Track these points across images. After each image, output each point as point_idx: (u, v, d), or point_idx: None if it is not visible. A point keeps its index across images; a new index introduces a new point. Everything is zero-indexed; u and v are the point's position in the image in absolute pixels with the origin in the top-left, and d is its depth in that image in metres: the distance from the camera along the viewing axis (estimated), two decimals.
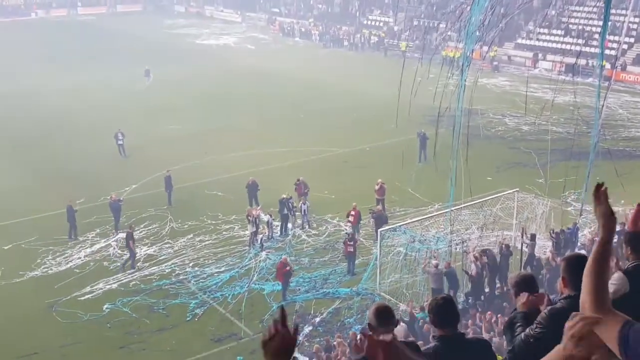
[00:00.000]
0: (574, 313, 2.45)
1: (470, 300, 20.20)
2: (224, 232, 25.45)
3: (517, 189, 24.47)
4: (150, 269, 22.89)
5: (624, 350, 2.49)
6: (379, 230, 22.46)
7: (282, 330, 2.40)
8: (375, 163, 32.08)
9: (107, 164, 32.32)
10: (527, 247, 21.75)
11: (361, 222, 25.46)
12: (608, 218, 2.88)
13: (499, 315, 17.60)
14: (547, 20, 57.33)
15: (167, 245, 24.49)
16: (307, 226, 25.95)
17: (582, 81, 42.81)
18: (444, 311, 4.98)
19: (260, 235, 24.40)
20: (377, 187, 26.59)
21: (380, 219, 24.24)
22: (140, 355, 18.35)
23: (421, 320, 18.03)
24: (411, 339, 16.10)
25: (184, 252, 24.04)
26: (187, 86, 48.54)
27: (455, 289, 20.15)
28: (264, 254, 23.74)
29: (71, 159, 33.20)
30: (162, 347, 18.70)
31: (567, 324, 2.44)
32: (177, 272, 22.66)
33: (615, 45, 49.95)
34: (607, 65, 44.57)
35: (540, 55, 54.90)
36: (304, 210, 25.98)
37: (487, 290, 20.64)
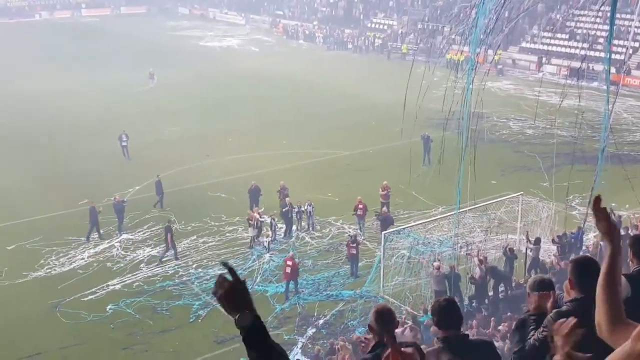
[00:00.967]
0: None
1: (474, 304, 20.13)
2: (227, 234, 25.43)
3: (522, 193, 24.42)
4: (153, 270, 22.86)
5: None
6: (383, 232, 22.42)
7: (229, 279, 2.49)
8: (378, 166, 32.05)
9: (110, 166, 32.34)
10: (531, 251, 21.68)
11: (366, 219, 25.49)
12: (612, 232, 2.87)
13: (504, 319, 17.53)
14: (551, 24, 57.30)
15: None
16: (311, 228, 25.92)
17: (587, 85, 42.79)
18: (447, 313, 4.97)
19: (268, 238, 24.35)
20: (382, 192, 26.43)
21: (386, 222, 24.19)
22: (143, 357, 18.32)
23: (425, 322, 17.96)
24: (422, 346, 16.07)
25: (187, 253, 24.02)
26: (190, 88, 48.63)
27: (458, 292, 20.06)
28: (267, 255, 23.71)
29: (74, 160, 33.23)
30: (165, 349, 18.67)
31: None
32: (180, 273, 22.64)
33: (620, 49, 49.88)
34: (613, 70, 44.47)
35: (544, 59, 54.83)
36: (309, 212, 25.94)
37: (491, 294, 20.57)
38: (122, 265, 23.19)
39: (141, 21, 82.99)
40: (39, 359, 18.30)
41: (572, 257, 14.02)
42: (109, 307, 20.53)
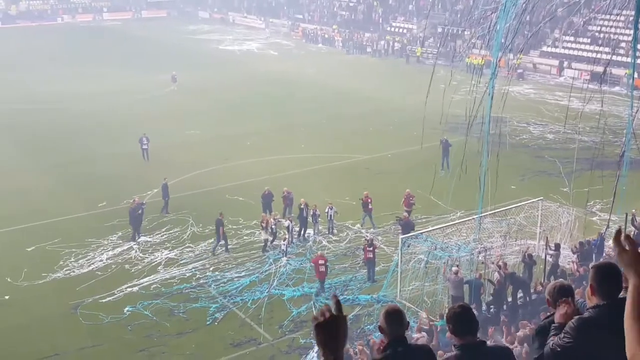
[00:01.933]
0: None
1: (492, 310, 19.93)
2: (245, 237, 25.47)
3: (542, 198, 24.18)
4: (171, 272, 22.95)
5: None
6: (401, 237, 22.30)
7: (336, 313, 2.49)
8: (397, 170, 31.95)
9: (130, 168, 32.58)
10: (550, 256, 21.44)
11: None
12: (638, 263, 2.74)
13: (520, 326, 17.33)
14: (572, 28, 56.78)
15: (188, 249, 24.55)
16: (330, 233, 25.87)
17: (609, 90, 42.32)
18: (463, 320, 4.92)
19: (284, 242, 24.36)
20: (410, 199, 26.38)
21: (407, 227, 24.05)
22: (160, 358, 18.36)
23: (439, 327, 17.82)
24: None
25: (204, 256, 24.09)
26: (210, 91, 48.93)
27: (478, 299, 19.87)
28: (284, 259, 23.70)
29: (95, 163, 33.53)
30: (181, 351, 18.71)
31: None
32: (197, 276, 22.69)
33: None
34: (635, 75, 43.92)
35: (565, 64, 54.36)
36: (330, 215, 25.90)
37: (509, 299, 20.36)
38: (140, 267, 23.30)
39: (162, 25, 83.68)
40: None
41: (593, 263, 13.85)
42: (126, 309, 20.63)
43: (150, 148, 33.83)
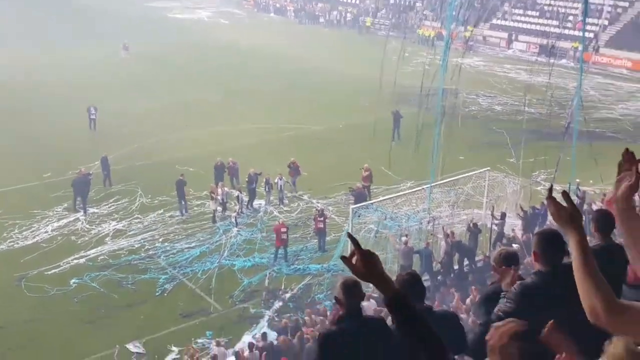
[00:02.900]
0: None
1: (439, 278, 20.31)
2: (195, 208, 25.23)
3: (489, 168, 24.57)
4: (119, 243, 22.59)
5: None
6: (352, 207, 22.44)
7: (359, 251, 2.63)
8: (348, 140, 32.02)
9: (77, 139, 31.74)
10: (496, 225, 21.92)
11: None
12: (576, 219, 2.79)
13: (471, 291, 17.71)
14: (522, 1, 57.47)
15: (136, 221, 24.18)
16: (281, 203, 25.86)
17: (556, 63, 43.08)
18: (410, 286, 4.96)
19: (234, 213, 24.26)
20: (365, 174, 26.04)
21: (360, 197, 24.17)
22: (108, 330, 18.12)
23: None
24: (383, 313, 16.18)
25: (153, 227, 23.78)
26: (159, 60, 47.91)
27: (430, 269, 20.21)
28: (235, 230, 23.59)
29: (40, 133, 32.52)
30: (130, 322, 18.51)
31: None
32: (146, 247, 22.40)
33: (591, 27, 50.25)
34: (580, 47, 44.86)
35: (514, 36, 55.09)
36: (280, 185, 25.84)
37: (456, 267, 20.79)
38: (86, 239, 22.87)
39: None
40: (3, 333, 17.99)
41: (537, 230, 14.18)
42: (72, 281, 20.26)
43: (99, 118, 33.03)
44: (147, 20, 63.16)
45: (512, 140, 29.64)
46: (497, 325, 2.40)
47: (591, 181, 24.87)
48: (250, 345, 16.28)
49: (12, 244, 22.41)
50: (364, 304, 16.58)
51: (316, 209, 23.96)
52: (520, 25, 55.62)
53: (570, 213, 2.77)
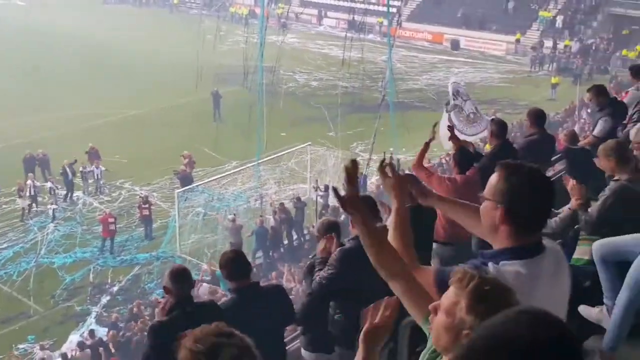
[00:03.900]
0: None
1: (271, 254, 20.62)
2: (4, 206, 23.26)
3: (309, 143, 25.24)
4: None
5: (439, 289, 2.72)
6: (177, 191, 21.98)
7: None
8: (168, 124, 31.14)
9: None
10: (321, 197, 22.63)
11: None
12: (398, 188, 3.05)
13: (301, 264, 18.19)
14: None
15: None
16: (99, 192, 24.63)
17: (364, 37, 45.05)
18: (236, 263, 5.00)
19: (52, 206, 22.72)
20: (185, 161, 25.07)
21: (186, 180, 23.64)
22: None
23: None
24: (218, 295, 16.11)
25: None
26: None
27: (264, 247, 20.40)
28: (51, 225, 22.09)
29: None
30: None
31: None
32: None
33: (394, 2, 53.01)
34: (385, 22, 47.32)
35: (324, 13, 56.67)
36: (97, 175, 24.56)
37: (285, 242, 21.22)
38: None
39: None
40: None
41: None
42: None
43: None
44: None
45: (330, 114, 30.70)
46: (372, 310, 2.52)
47: (404, 149, 26.48)
48: (80, 344, 15.46)
49: None
50: (198, 290, 16.41)
51: (140, 196, 23.12)
52: (329, 2, 57.25)
53: (393, 183, 3.03)
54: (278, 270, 18.82)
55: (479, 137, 8.82)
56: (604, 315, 4.68)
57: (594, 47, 44.12)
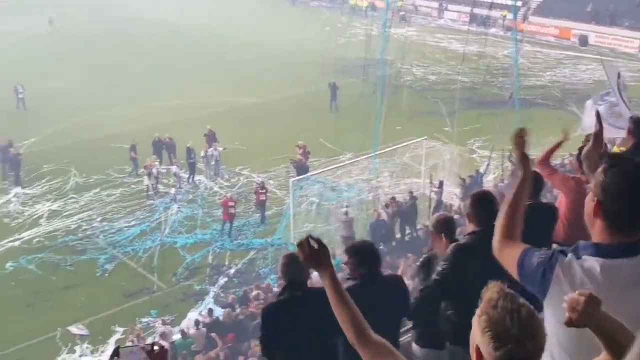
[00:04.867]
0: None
1: (382, 247, 20.66)
2: (132, 186, 24.76)
3: (425, 137, 25.04)
4: (54, 224, 22.01)
5: (519, 272, 2.81)
6: (292, 180, 22.51)
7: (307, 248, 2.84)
8: (285, 113, 31.90)
9: (4, 117, 30.47)
10: (435, 193, 22.42)
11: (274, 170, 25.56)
12: (524, 160, 3.17)
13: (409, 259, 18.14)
14: None
15: (71, 201, 23.56)
16: (218, 175, 25.67)
17: (486, 31, 43.91)
18: (367, 252, 5.07)
19: (174, 189, 23.97)
20: (300, 151, 25.54)
21: (302, 169, 24.21)
22: (48, 313, 17.74)
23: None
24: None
25: (90, 206, 23.24)
26: (85, 34, 46.28)
27: (378, 240, 20.50)
28: (175, 206, 23.30)
29: None
30: (71, 304, 18.14)
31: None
32: (83, 227, 21.90)
33: None
34: (510, 16, 45.85)
35: (444, 5, 55.73)
36: (216, 157, 25.61)
37: (397, 236, 21.21)
38: (20, 220, 22.18)
39: None
40: None
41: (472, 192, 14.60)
42: (8, 264, 19.65)
43: (27, 95, 31.80)
44: None
45: (447, 109, 30.28)
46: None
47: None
48: (197, 322, 16.25)
49: None
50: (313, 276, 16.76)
51: (257, 182, 23.91)
52: None
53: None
54: (387, 263, 18.83)
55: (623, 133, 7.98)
56: None
57: None
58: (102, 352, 16.05)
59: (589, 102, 7.71)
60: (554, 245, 6.05)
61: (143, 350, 2.56)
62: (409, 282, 15.97)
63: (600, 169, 2.62)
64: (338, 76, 33.28)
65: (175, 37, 46.15)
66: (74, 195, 23.89)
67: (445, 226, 5.40)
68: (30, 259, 19.96)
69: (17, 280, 19.04)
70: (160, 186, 24.43)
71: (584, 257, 2.59)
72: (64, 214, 22.71)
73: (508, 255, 2.89)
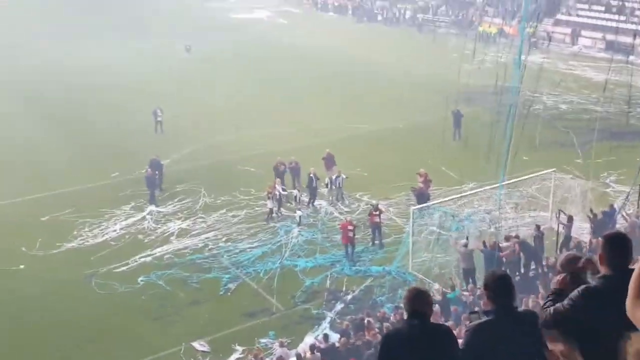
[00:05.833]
0: None
1: None
2: (257, 208, 25.53)
3: (554, 169, 24.02)
4: (183, 242, 23.11)
5: None
6: (412, 208, 22.31)
7: None
8: (408, 141, 31.81)
9: (143, 138, 32.58)
10: (563, 228, 21.37)
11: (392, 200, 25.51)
12: None
13: (532, 296, 17.36)
14: None
15: (200, 220, 24.67)
16: (339, 201, 25.91)
17: (621, 59, 41.72)
18: (504, 286, 4.93)
19: (299, 212, 24.48)
20: (421, 179, 25.46)
21: (422, 197, 24.02)
22: (174, 328, 18.60)
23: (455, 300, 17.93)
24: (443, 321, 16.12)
25: (217, 226, 24.21)
26: (220, 60, 48.65)
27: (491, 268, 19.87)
28: (296, 230, 23.77)
29: (107, 133, 33.57)
30: (195, 320, 18.92)
31: None
32: (210, 246, 22.84)
33: None
34: None
35: (579, 32, 53.58)
36: (339, 182, 25.92)
37: (522, 271, 20.39)
38: (153, 237, 23.48)
39: None
40: (74, 328, 18.69)
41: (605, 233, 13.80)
42: (140, 278, 20.83)
43: (164, 118, 33.80)
44: (208, 20, 64.20)
45: (579, 140, 28.95)
46: None
47: None
48: (312, 347, 16.40)
49: (82, 242, 23.21)
50: None
51: (371, 204, 23.96)
52: (585, 20, 54.02)
53: None
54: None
55: None
56: None
57: None
58: None
59: None
60: None
61: None
62: None
63: None
64: (462, 104, 32.77)
65: (306, 62, 47.45)
66: (203, 215, 25.01)
67: (573, 266, 5.14)
68: (160, 274, 21.05)
69: (147, 294, 20.13)
70: (282, 209, 25.02)
71: None
72: (193, 232, 23.79)
73: None
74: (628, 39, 46.60)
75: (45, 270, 21.58)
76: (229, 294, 20.21)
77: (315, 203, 25.92)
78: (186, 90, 40.77)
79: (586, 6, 55.31)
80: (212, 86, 41.70)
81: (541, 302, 15.29)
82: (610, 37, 46.68)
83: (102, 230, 23.94)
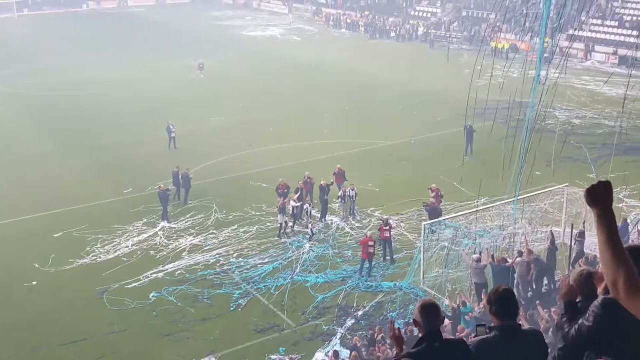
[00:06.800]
0: None
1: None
2: (268, 224, 25.57)
3: (567, 184, 23.88)
4: (195, 258, 23.16)
5: None
6: (424, 223, 22.24)
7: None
8: (420, 156, 31.78)
9: (155, 154, 32.82)
10: (575, 243, 21.20)
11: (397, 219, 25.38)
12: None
13: (546, 311, 17.21)
14: (600, 11, 55.73)
15: (211, 236, 24.74)
16: (351, 216, 25.87)
17: (635, 74, 41.48)
18: (506, 302, 4.89)
19: (311, 226, 24.48)
20: (432, 194, 25.48)
21: (434, 213, 23.95)
22: (185, 343, 18.60)
23: (469, 314, 17.79)
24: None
25: (228, 242, 24.26)
26: (233, 77, 49.01)
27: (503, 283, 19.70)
28: (307, 245, 23.77)
29: (120, 149, 33.88)
30: (206, 336, 18.92)
31: None
32: (221, 262, 22.88)
33: None
34: None
35: (591, 47, 53.44)
36: (352, 197, 25.89)
37: (534, 286, 20.22)
38: (164, 253, 23.56)
39: (186, 11, 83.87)
40: (86, 344, 18.74)
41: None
42: (152, 294, 20.90)
43: (177, 134, 34.01)
44: (222, 38, 64.78)
45: (591, 154, 28.77)
46: None
47: None
48: None
49: (94, 257, 23.34)
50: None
51: (381, 219, 23.91)
52: (598, 35, 53.89)
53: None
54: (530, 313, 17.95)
55: None
56: None
57: None
58: None
59: None
60: None
61: None
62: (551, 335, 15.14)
63: None
64: (474, 119, 32.68)
65: (318, 78, 47.67)
66: (214, 231, 25.07)
67: (588, 282, 5.08)
68: (171, 290, 21.10)
69: (158, 310, 20.16)
70: (291, 224, 25.05)
71: None
72: (204, 248, 23.85)
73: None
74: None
75: (58, 286, 21.71)
76: (240, 309, 20.20)
77: (327, 218, 25.91)
78: (200, 107, 41.07)
79: (599, 21, 55.19)
80: (225, 103, 41.99)
81: (555, 318, 15.16)
82: (622, 51, 46.46)
83: (114, 246, 24.07)
